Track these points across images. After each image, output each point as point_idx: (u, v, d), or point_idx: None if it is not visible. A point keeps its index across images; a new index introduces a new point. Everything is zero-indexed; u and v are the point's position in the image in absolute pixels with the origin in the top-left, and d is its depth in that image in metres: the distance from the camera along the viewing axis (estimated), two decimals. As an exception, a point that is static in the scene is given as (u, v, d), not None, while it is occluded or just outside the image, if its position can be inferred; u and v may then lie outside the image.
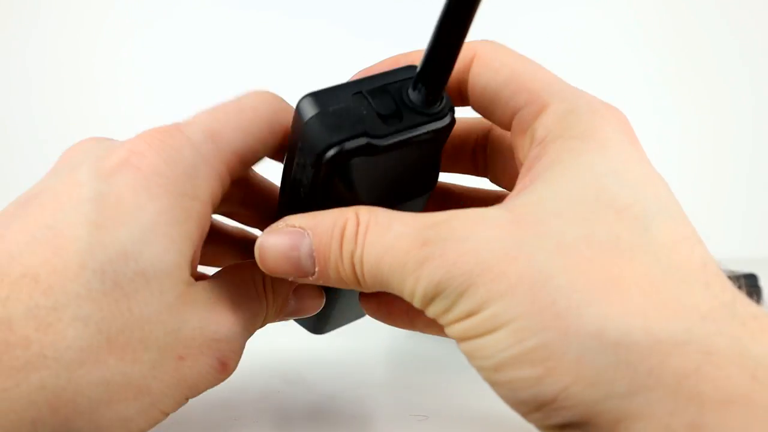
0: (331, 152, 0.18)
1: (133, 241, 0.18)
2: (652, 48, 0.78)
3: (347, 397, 0.29)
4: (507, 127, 0.21)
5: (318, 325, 0.28)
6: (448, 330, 0.18)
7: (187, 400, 0.20)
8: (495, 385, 0.17)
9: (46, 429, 0.17)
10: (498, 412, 0.18)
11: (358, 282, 0.19)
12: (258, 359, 0.33)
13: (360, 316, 0.30)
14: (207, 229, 0.21)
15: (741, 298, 0.17)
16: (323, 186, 0.19)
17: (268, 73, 0.71)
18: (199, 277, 0.21)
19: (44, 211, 0.18)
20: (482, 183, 0.26)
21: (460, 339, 0.18)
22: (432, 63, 0.18)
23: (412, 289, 0.18)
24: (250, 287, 0.22)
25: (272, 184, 0.26)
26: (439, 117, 0.19)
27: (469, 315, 0.17)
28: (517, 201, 0.18)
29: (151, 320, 0.18)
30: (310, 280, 0.20)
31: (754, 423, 0.15)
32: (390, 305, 0.24)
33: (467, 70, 0.21)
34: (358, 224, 0.19)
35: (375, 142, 0.18)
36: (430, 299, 0.18)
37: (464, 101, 0.22)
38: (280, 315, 0.23)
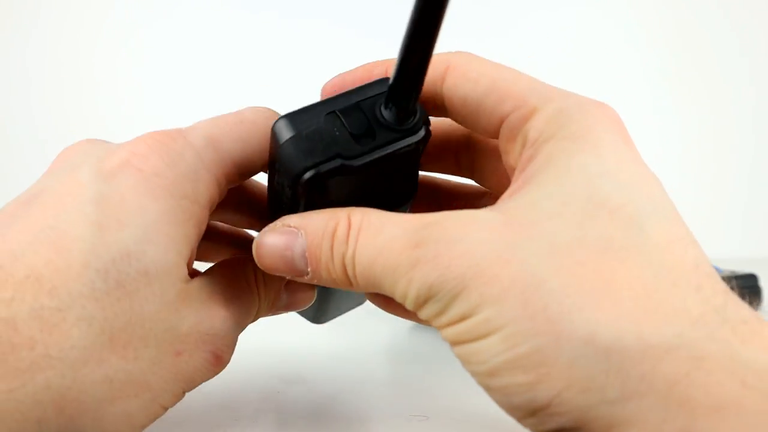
0: (306, 176, 0.19)
1: (136, 241, 0.18)
2: (652, 48, 0.78)
3: (347, 397, 0.29)
4: (493, 135, 0.20)
5: (317, 315, 0.29)
6: (441, 333, 0.18)
7: (184, 393, 0.20)
8: (489, 390, 0.17)
9: (52, 428, 0.17)
10: (498, 413, 0.18)
11: (350, 283, 0.19)
12: (258, 359, 0.33)
13: (359, 303, 0.30)
14: (203, 231, 0.21)
15: (732, 300, 0.17)
16: (304, 203, 0.20)
17: (269, 73, 0.71)
18: (193, 274, 0.21)
19: (46, 211, 0.18)
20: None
21: (454, 343, 0.18)
22: (400, 83, 0.18)
23: (405, 291, 0.18)
24: (242, 282, 0.22)
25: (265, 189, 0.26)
26: (413, 132, 0.20)
27: (462, 318, 0.17)
28: (510, 203, 0.18)
29: (152, 318, 0.18)
30: (306, 279, 0.20)
31: (745, 429, 0.15)
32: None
33: (441, 82, 0.21)
34: (349, 226, 0.19)
35: (348, 163, 0.19)
36: (423, 302, 0.18)
37: (442, 113, 0.22)
38: (273, 309, 0.24)
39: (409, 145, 0.20)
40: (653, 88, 0.77)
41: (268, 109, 0.22)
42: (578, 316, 0.16)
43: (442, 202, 0.26)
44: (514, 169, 0.20)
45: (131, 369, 0.18)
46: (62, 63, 0.70)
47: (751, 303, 0.41)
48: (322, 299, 0.26)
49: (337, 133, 0.19)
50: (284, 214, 0.21)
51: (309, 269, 0.20)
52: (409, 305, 0.18)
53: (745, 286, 0.41)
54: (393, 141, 0.19)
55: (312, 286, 0.24)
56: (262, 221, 0.25)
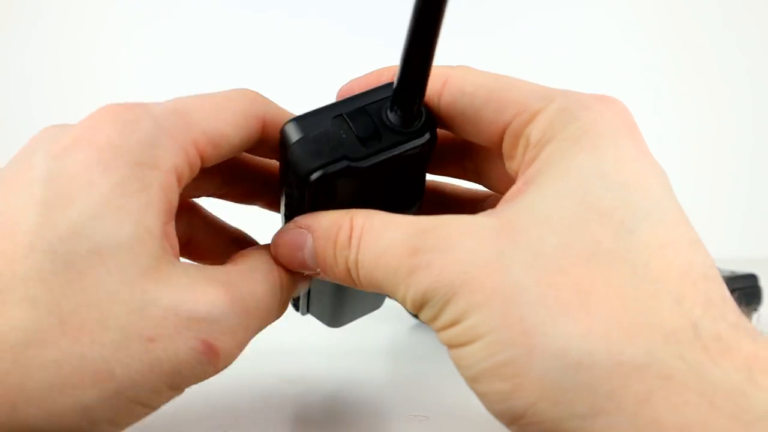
0: (313, 177, 0.19)
1: (85, 218, 0.17)
2: (652, 48, 0.78)
3: (347, 397, 0.29)
4: (496, 144, 0.20)
5: (333, 319, 0.29)
6: (437, 336, 0.18)
7: (171, 390, 0.18)
8: (476, 394, 0.18)
9: None
10: (498, 413, 0.18)
11: (355, 283, 0.20)
12: (258, 359, 0.33)
13: (375, 307, 0.30)
14: (175, 200, 0.19)
15: (711, 312, 0.16)
16: (313, 203, 0.20)
17: (269, 73, 0.71)
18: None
19: None
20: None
21: (448, 346, 0.18)
22: (403, 86, 0.19)
23: (404, 296, 0.18)
24: (255, 264, 0.21)
25: (260, 161, 0.25)
26: (419, 134, 0.20)
27: (452, 324, 0.17)
28: (506, 207, 0.18)
29: (110, 299, 0.17)
30: (320, 276, 0.21)
31: None
32: None
33: (438, 97, 0.21)
34: (351, 229, 0.19)
35: (355, 164, 0.19)
36: (420, 306, 0.18)
37: (442, 127, 0.22)
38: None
39: (414, 148, 0.20)
40: (653, 88, 0.77)
41: (249, 89, 0.22)
42: (552, 329, 0.16)
43: (448, 207, 0.26)
44: (518, 174, 0.20)
45: (88, 354, 0.16)
46: (62, 63, 0.70)
47: (750, 304, 0.41)
48: (339, 302, 0.26)
49: (344, 135, 0.19)
50: (296, 215, 0.21)
51: (318, 269, 0.21)
52: (408, 308, 0.19)
53: (745, 286, 0.41)
54: (399, 143, 0.20)
55: (305, 276, 0.24)
56: (256, 197, 0.26)
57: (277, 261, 0.21)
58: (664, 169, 0.19)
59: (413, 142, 0.20)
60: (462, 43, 0.70)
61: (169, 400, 0.19)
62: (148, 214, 0.18)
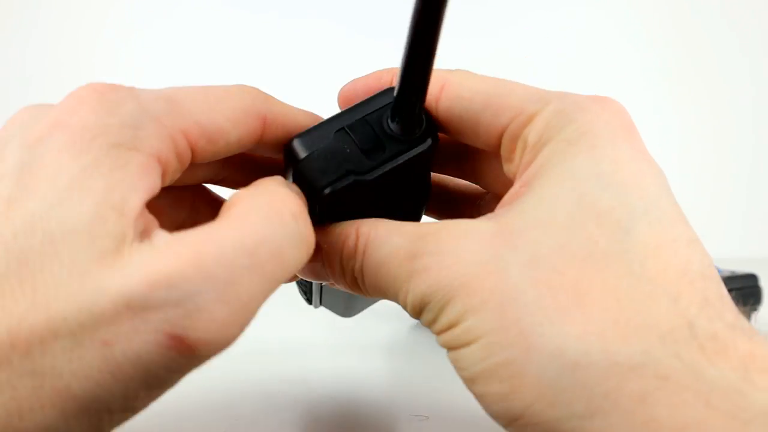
0: (322, 193, 0.19)
1: (44, 208, 0.15)
2: (652, 48, 0.78)
3: (347, 397, 0.29)
4: (494, 148, 0.21)
5: (347, 310, 0.31)
6: (437, 339, 0.19)
7: (150, 390, 0.15)
8: (474, 395, 0.18)
9: None
10: (498, 413, 0.18)
11: (362, 291, 0.20)
12: (258, 359, 0.33)
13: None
14: (156, 184, 0.17)
15: (708, 311, 0.16)
16: (321, 217, 0.21)
17: (269, 73, 0.71)
18: None
19: None
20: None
21: (447, 348, 0.18)
22: (403, 99, 0.19)
23: (404, 300, 0.19)
24: (253, 206, 0.17)
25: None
26: (421, 140, 0.20)
27: (450, 327, 0.17)
28: (504, 210, 0.19)
29: (59, 297, 0.14)
30: (333, 285, 0.22)
31: None
32: None
33: (436, 103, 0.21)
34: (357, 239, 0.20)
35: (361, 178, 0.20)
36: (419, 311, 0.18)
37: (441, 131, 0.22)
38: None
39: (418, 154, 0.20)
40: (653, 88, 0.77)
41: (254, 87, 0.21)
42: (549, 329, 0.16)
43: (452, 203, 0.26)
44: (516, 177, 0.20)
45: (37, 369, 0.14)
46: (62, 63, 0.70)
47: (750, 304, 0.41)
48: (352, 295, 0.27)
49: (348, 150, 0.20)
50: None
51: (330, 278, 0.21)
52: (409, 313, 0.19)
53: (745, 286, 0.41)
54: (402, 152, 0.20)
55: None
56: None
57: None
58: (661, 169, 0.19)
59: (416, 149, 0.20)
60: (462, 43, 0.70)
61: (156, 398, 0.16)
62: (116, 190, 0.15)
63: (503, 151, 0.20)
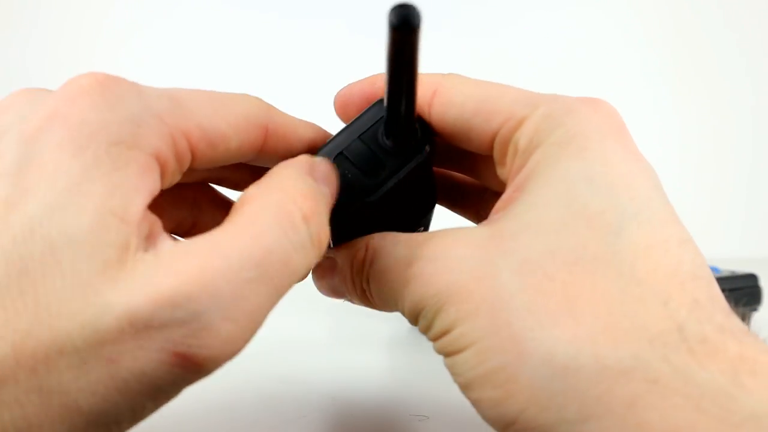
0: (331, 224, 0.20)
1: (44, 211, 0.14)
2: (652, 48, 0.78)
3: (347, 397, 0.29)
4: (487, 152, 0.21)
5: None
6: (433, 346, 0.19)
7: (156, 401, 0.15)
8: (470, 401, 0.18)
9: None
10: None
11: (371, 304, 0.21)
12: (258, 359, 0.33)
13: None
14: (157, 185, 0.16)
15: (697, 313, 0.16)
16: (334, 238, 0.21)
17: (269, 73, 0.71)
18: None
19: None
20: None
21: (442, 355, 0.18)
22: (393, 120, 0.19)
23: (402, 308, 0.19)
24: (262, 210, 0.16)
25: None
26: (418, 150, 0.21)
27: (443, 333, 0.18)
28: (497, 216, 0.19)
29: (62, 311, 0.14)
30: (349, 301, 0.22)
31: None
32: None
33: (429, 108, 0.21)
34: (366, 251, 0.20)
35: (367, 200, 0.20)
36: (415, 317, 0.19)
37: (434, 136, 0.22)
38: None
39: (418, 164, 0.21)
40: (652, 88, 0.77)
41: (257, 97, 0.20)
42: (539, 334, 0.16)
43: (463, 191, 0.26)
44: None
45: (44, 386, 0.14)
46: (62, 63, 0.70)
47: (750, 304, 0.41)
48: None
49: (349, 175, 0.20)
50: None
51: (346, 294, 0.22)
52: (408, 320, 0.19)
53: (745, 286, 0.41)
54: (401, 166, 0.20)
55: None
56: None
57: (317, 287, 0.22)
58: (654, 169, 0.19)
59: (414, 160, 0.20)
60: (462, 43, 0.70)
61: (160, 407, 0.16)
62: (116, 194, 0.15)
63: (496, 156, 0.20)
